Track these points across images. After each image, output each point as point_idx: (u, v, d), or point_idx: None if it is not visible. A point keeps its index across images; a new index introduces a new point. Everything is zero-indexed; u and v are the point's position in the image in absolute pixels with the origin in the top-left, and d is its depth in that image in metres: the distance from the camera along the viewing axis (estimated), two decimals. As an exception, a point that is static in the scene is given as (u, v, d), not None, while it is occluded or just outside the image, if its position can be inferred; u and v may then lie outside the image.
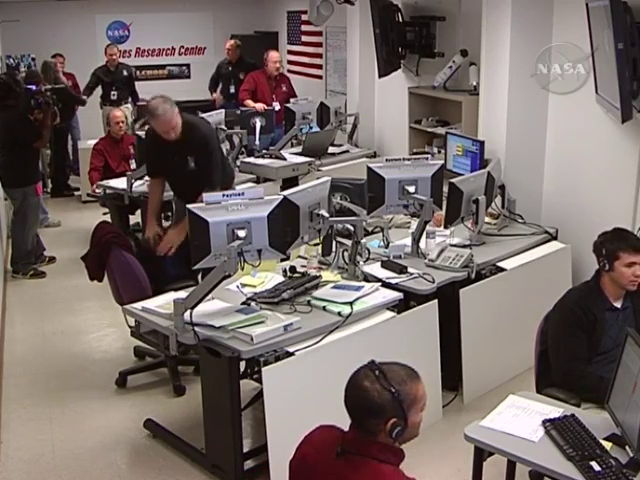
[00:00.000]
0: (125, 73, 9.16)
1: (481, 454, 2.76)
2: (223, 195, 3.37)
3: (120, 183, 6.00)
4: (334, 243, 4.17)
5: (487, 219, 4.66)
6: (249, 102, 7.82)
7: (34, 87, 6.56)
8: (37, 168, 6.66)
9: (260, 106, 7.53)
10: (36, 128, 6.28)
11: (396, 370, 2.12)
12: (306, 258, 4.22)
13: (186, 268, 4.43)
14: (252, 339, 3.26)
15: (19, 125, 6.21)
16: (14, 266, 6.40)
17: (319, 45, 9.95)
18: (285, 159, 6.45)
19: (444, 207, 4.36)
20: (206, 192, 4.31)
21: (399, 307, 3.80)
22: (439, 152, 6.36)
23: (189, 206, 3.34)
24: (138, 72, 10.31)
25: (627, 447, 2.54)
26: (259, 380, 3.33)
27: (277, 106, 7.77)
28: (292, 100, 7.22)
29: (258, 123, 6.92)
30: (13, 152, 6.19)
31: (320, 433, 2.26)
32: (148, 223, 4.56)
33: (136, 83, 9.35)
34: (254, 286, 3.87)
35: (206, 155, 4.53)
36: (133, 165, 6.40)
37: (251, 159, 6.55)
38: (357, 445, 2.09)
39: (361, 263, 4.08)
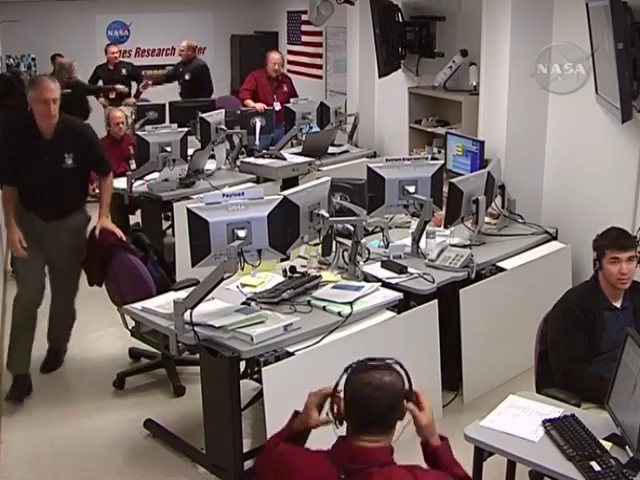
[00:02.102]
0: (124, 72, 9.11)
1: (481, 454, 2.76)
2: (223, 195, 3.37)
3: (120, 183, 5.97)
4: (334, 243, 4.17)
5: (487, 219, 4.66)
6: (249, 102, 7.82)
7: None
8: None
9: (260, 106, 7.53)
10: None
11: (378, 357, 2.15)
12: (306, 258, 4.22)
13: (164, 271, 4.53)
14: (252, 339, 3.26)
15: None
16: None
17: (319, 45, 9.96)
18: (285, 159, 6.44)
19: (444, 207, 4.37)
20: (105, 175, 4.63)
21: (399, 307, 3.80)
22: (439, 152, 6.36)
23: (189, 206, 3.34)
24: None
25: (627, 447, 2.53)
26: (259, 380, 3.33)
27: (278, 106, 7.77)
28: (292, 100, 7.20)
29: (258, 123, 6.93)
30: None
31: (304, 463, 2.12)
32: (12, 228, 4.32)
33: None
34: (254, 286, 3.86)
35: (92, 149, 4.48)
36: (133, 165, 6.38)
37: (251, 159, 6.54)
38: (361, 458, 2.02)
39: (361, 263, 4.08)
